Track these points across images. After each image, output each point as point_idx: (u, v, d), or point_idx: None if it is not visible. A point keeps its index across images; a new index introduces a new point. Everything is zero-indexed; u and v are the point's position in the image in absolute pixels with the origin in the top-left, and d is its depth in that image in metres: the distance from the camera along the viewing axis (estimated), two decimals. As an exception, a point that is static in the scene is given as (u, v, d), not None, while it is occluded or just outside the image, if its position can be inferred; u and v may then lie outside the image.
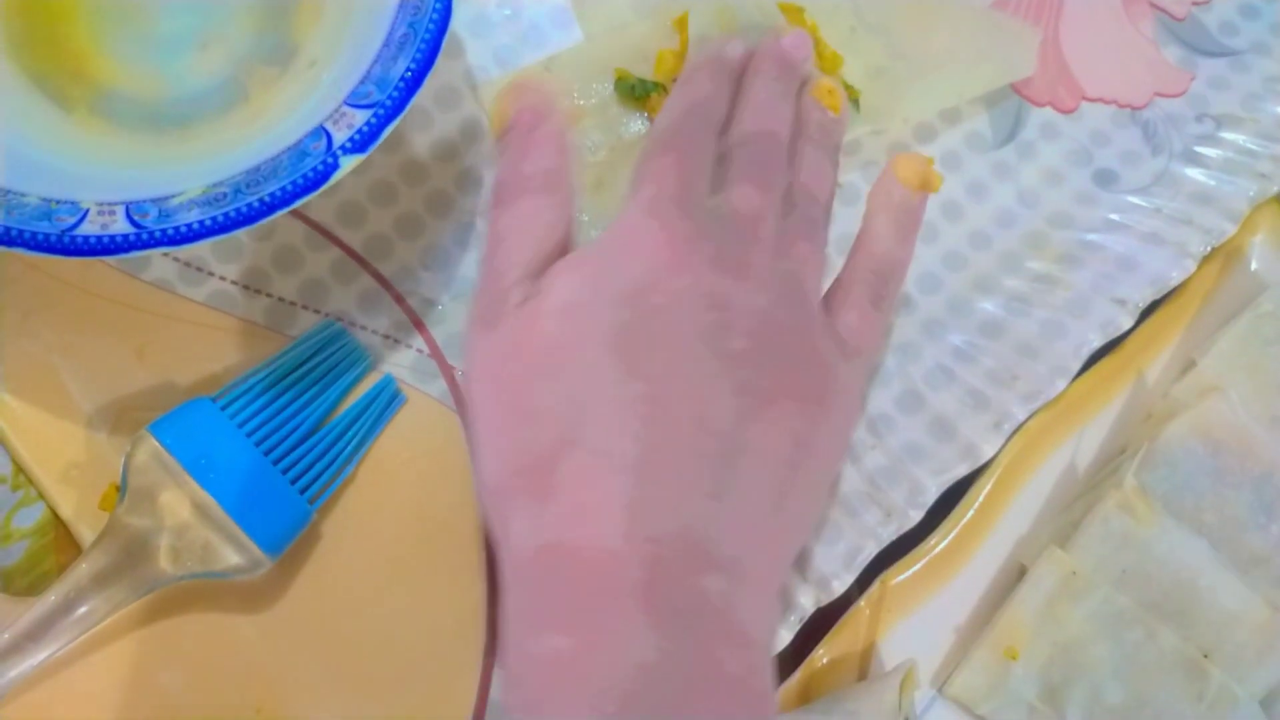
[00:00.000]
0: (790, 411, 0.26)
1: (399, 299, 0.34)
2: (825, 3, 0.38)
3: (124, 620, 0.30)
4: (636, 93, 0.36)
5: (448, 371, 0.34)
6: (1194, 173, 0.39)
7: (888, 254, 0.30)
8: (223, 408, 0.31)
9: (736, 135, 0.29)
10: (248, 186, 0.28)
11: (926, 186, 0.30)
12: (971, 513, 0.34)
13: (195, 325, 0.33)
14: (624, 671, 0.22)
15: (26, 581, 0.31)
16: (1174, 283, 0.36)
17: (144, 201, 0.28)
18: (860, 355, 0.29)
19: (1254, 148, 0.39)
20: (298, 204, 0.28)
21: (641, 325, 0.26)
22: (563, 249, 0.28)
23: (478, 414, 0.27)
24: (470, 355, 0.28)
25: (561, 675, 0.23)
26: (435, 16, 0.30)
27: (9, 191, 0.28)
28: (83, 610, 0.29)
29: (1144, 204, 0.38)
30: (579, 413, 0.25)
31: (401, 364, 0.34)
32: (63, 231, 0.27)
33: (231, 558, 0.30)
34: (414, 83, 0.29)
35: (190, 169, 0.31)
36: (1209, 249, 0.37)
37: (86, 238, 0.27)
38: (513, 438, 0.26)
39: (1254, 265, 0.38)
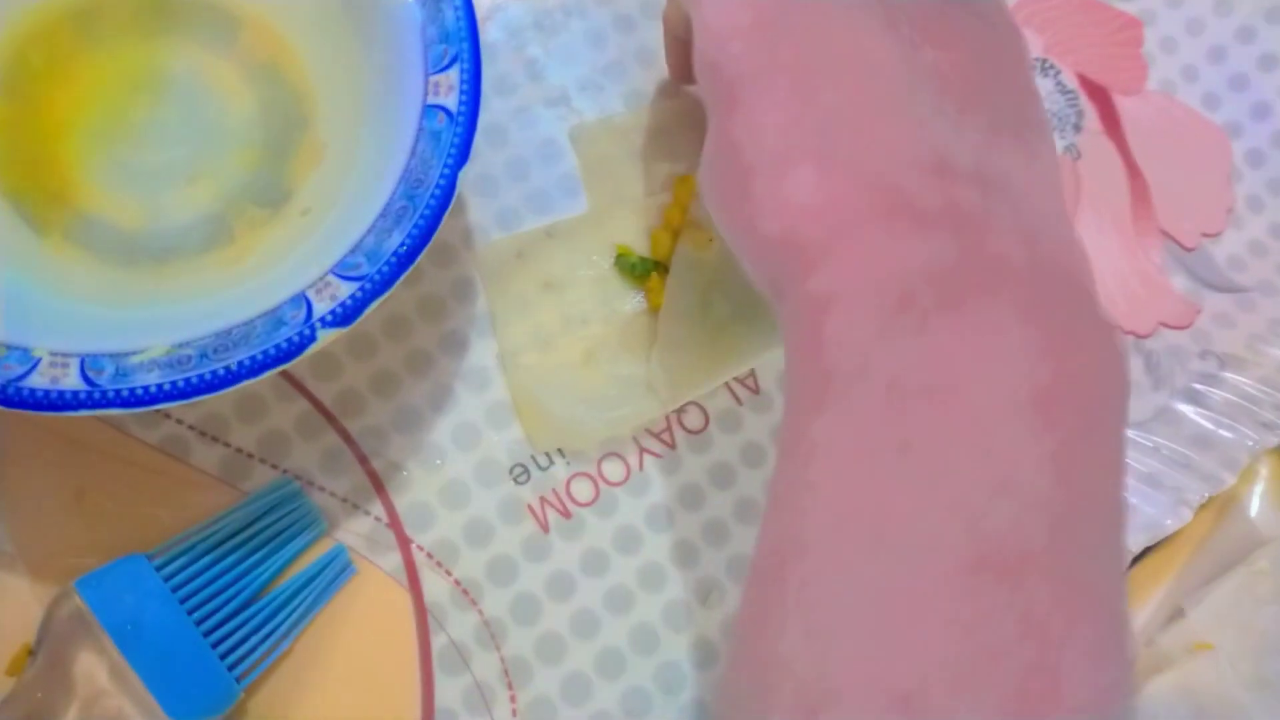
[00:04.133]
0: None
1: (363, 460, 0.33)
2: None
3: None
4: (637, 270, 0.35)
5: (404, 544, 0.32)
6: (1194, 413, 0.38)
7: None
8: (159, 567, 0.29)
9: None
10: (215, 351, 0.27)
11: None
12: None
13: (143, 470, 0.31)
14: (904, 262, 0.23)
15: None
16: (1169, 531, 0.35)
17: (101, 356, 0.26)
18: None
19: (1256, 393, 0.38)
20: (266, 375, 0.27)
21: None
22: None
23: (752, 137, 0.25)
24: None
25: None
26: (437, 193, 0.28)
27: (-42, 331, 0.26)
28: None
29: (1144, 441, 0.37)
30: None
31: (357, 531, 0.32)
32: (8, 381, 0.25)
33: (142, 737, 0.27)
34: (406, 259, 0.28)
35: (160, 311, 0.29)
36: (1206, 498, 0.36)
37: (33, 391, 0.25)
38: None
39: (1252, 513, 0.37)
